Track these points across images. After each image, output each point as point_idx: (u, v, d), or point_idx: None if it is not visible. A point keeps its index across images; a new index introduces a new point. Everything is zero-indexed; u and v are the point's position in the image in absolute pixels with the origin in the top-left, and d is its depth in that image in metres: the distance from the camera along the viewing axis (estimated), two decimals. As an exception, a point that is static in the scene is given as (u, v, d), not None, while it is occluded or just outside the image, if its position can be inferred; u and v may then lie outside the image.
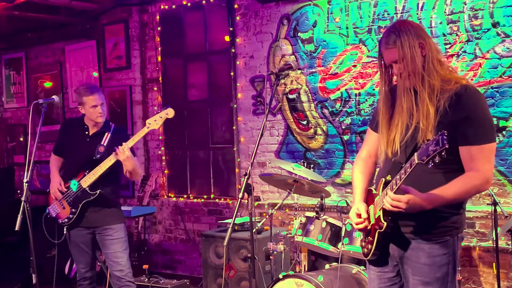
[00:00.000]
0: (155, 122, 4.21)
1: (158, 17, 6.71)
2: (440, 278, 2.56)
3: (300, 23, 5.65)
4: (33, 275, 3.58)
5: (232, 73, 6.15)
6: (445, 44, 4.86)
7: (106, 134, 4.33)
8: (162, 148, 6.77)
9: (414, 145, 2.55)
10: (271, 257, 4.62)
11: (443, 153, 2.19)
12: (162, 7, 6.63)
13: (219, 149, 6.38)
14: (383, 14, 5.18)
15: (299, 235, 4.33)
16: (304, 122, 5.69)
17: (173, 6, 6.55)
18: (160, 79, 6.75)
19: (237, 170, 6.20)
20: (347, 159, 5.44)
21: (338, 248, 4.17)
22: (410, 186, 2.44)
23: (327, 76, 5.52)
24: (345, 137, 5.46)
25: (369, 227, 2.66)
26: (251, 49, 6.00)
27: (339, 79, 5.45)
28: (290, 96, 5.75)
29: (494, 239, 4.15)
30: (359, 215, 2.67)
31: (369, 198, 2.74)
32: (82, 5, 6.83)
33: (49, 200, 4.37)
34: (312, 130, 5.65)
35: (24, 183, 3.54)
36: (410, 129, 2.57)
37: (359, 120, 5.36)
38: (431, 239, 2.55)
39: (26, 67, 8.00)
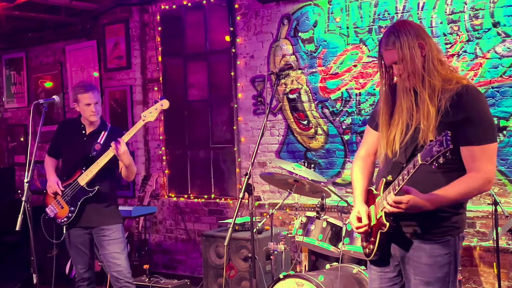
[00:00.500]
0: (150, 114, 4.17)
1: (158, 17, 6.71)
2: (442, 278, 2.56)
3: (300, 23, 5.65)
4: (33, 275, 3.58)
5: (232, 73, 6.15)
6: (446, 44, 4.86)
7: (103, 132, 4.33)
8: (163, 148, 6.77)
9: (414, 145, 2.54)
10: (271, 257, 4.62)
11: (447, 154, 2.18)
12: (162, 7, 6.63)
13: (219, 149, 6.38)
14: (384, 14, 5.17)
15: (299, 235, 4.33)
16: (305, 122, 5.69)
17: (174, 6, 6.55)
18: (160, 79, 6.75)
19: (237, 170, 6.20)
20: (347, 159, 5.44)
21: (338, 248, 4.17)
22: (410, 186, 2.44)
23: (328, 76, 5.52)
24: (346, 137, 5.46)
25: (370, 228, 2.66)
26: (251, 49, 6.00)
27: (339, 79, 5.45)
28: (291, 96, 5.75)
29: (495, 239, 4.15)
30: (359, 219, 2.67)
31: (369, 198, 2.73)
32: (82, 5, 6.83)
33: (46, 201, 4.35)
34: (312, 130, 5.65)
35: (25, 183, 3.55)
36: (410, 129, 2.57)
37: (360, 120, 5.35)
38: (432, 239, 2.55)
39: (27, 67, 8.00)
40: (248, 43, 6.02)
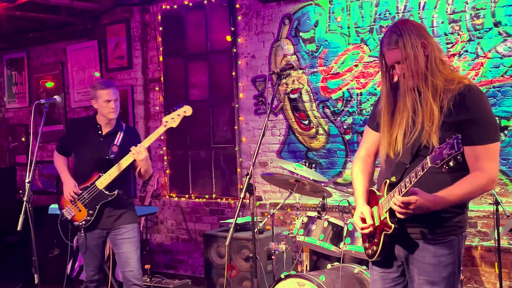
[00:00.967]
0: (173, 120, 4.13)
1: (159, 17, 6.71)
2: (446, 278, 2.55)
3: (301, 23, 5.65)
4: (35, 275, 3.58)
5: (233, 73, 6.15)
6: (447, 43, 4.86)
7: (119, 133, 4.28)
8: (164, 148, 6.77)
9: (418, 146, 2.54)
10: (273, 257, 4.62)
11: (458, 157, 2.18)
12: (163, 7, 6.63)
13: (220, 149, 6.38)
14: (385, 14, 5.17)
15: (301, 235, 4.33)
16: (306, 122, 5.69)
17: (175, 6, 6.55)
18: (161, 79, 6.76)
19: (238, 170, 6.20)
20: (348, 159, 5.44)
21: (340, 248, 4.17)
22: (414, 186, 2.43)
23: (329, 75, 5.51)
24: (347, 137, 5.46)
25: (373, 229, 2.65)
26: (252, 49, 6.00)
27: (340, 78, 5.45)
28: (292, 96, 5.75)
29: (496, 238, 4.15)
30: (363, 220, 2.66)
31: (371, 199, 2.72)
32: (83, 5, 6.83)
33: (61, 203, 4.24)
34: (313, 130, 5.65)
35: (26, 183, 3.54)
36: (413, 130, 2.56)
37: (361, 120, 5.35)
38: (436, 239, 2.54)
39: (28, 67, 8.01)
40: (249, 43, 6.02)
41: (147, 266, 5.43)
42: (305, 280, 3.98)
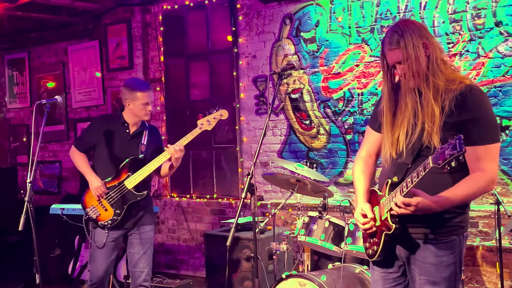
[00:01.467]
0: (208, 123, 4.11)
1: (160, 17, 6.71)
2: (448, 278, 2.55)
3: (302, 23, 5.65)
4: (36, 275, 3.59)
5: (234, 73, 6.15)
6: (448, 43, 4.85)
7: (145, 132, 4.26)
8: (165, 148, 6.75)
9: (419, 146, 2.54)
10: (274, 257, 4.62)
11: (460, 158, 2.18)
12: (164, 7, 6.63)
13: (221, 149, 6.38)
14: (386, 14, 5.17)
15: (302, 234, 4.33)
16: (307, 122, 5.69)
17: (176, 6, 6.55)
18: (162, 79, 6.76)
19: (239, 170, 6.20)
20: (350, 159, 5.44)
21: (341, 248, 4.17)
22: (416, 187, 2.43)
23: (330, 75, 5.51)
24: (348, 137, 5.46)
25: (374, 229, 2.65)
26: (253, 49, 6.00)
27: (341, 78, 5.45)
28: (293, 96, 5.75)
29: (497, 238, 4.15)
30: (364, 215, 2.65)
31: (372, 199, 2.72)
32: (84, 5, 6.84)
33: (85, 201, 4.16)
34: (314, 130, 5.65)
35: (27, 183, 3.54)
36: (414, 130, 2.55)
37: (362, 120, 5.35)
38: (438, 239, 2.54)
39: (29, 67, 8.01)
40: (250, 43, 6.03)
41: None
42: (306, 280, 3.98)
